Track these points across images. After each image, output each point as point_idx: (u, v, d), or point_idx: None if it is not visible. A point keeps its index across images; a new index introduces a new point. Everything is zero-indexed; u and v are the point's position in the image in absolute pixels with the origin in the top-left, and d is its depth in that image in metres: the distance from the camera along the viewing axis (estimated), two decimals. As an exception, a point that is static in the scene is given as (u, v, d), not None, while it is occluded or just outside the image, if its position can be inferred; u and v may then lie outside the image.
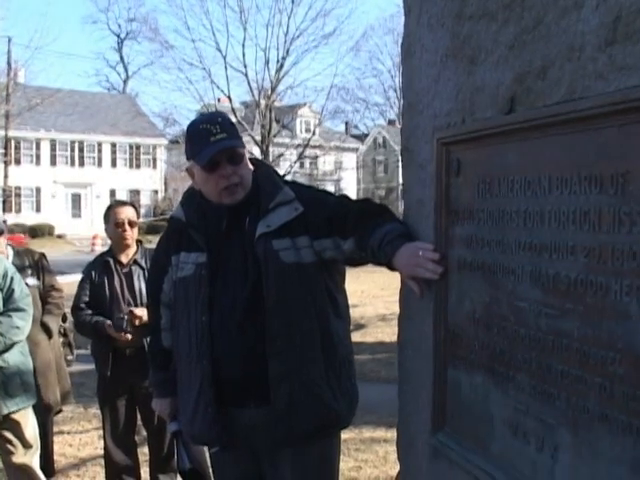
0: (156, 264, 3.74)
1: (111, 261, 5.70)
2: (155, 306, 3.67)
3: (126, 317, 5.43)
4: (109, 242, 5.99)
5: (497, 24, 2.28)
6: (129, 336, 5.44)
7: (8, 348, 5.14)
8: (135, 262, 5.71)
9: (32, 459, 5.44)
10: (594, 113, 1.86)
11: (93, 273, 5.73)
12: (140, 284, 5.62)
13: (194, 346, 3.35)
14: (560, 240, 2.02)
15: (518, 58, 2.19)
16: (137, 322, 5.41)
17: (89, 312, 5.64)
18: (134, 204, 6.21)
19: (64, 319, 6.54)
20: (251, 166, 3.42)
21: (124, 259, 5.71)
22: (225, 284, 3.32)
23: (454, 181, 2.58)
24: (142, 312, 5.36)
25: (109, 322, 5.48)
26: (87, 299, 5.69)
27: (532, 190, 2.14)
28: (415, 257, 2.72)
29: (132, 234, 5.69)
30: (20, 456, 5.34)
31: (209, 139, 3.24)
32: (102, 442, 6.03)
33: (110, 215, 5.71)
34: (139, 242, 5.88)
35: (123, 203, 6.03)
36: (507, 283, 2.26)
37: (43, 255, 6.40)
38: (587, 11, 1.89)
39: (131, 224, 5.67)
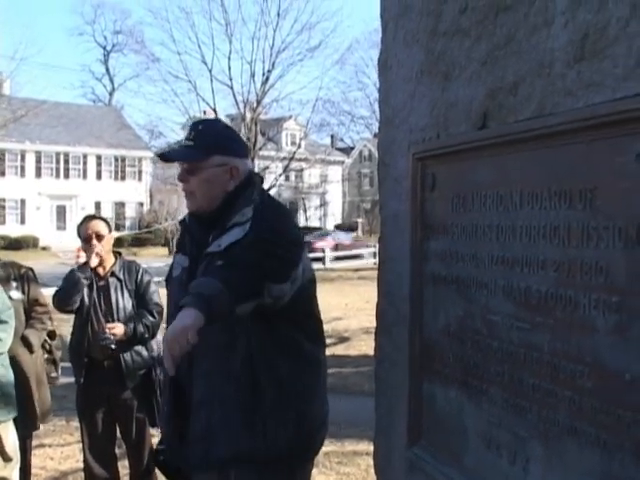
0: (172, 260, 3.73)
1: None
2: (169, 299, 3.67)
3: (111, 337, 5.47)
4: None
5: (470, 40, 2.31)
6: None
7: None
8: (112, 274, 5.72)
9: (12, 472, 5.43)
10: (563, 129, 1.89)
11: None
12: (117, 296, 5.65)
13: None
14: (531, 254, 2.04)
15: (490, 74, 2.22)
16: (119, 336, 5.47)
17: None
18: (104, 218, 6.23)
19: (52, 336, 6.51)
20: (229, 185, 3.34)
21: (101, 271, 5.71)
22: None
23: (429, 196, 2.59)
24: (119, 330, 5.43)
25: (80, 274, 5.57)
26: None
27: (504, 205, 2.16)
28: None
29: (101, 247, 5.67)
30: (0, 469, 5.33)
31: (181, 142, 3.34)
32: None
33: (80, 231, 5.74)
34: (118, 254, 5.90)
35: (92, 217, 6.03)
36: (480, 297, 2.28)
37: (30, 269, 6.39)
38: (556, 28, 1.92)
39: (99, 237, 5.65)
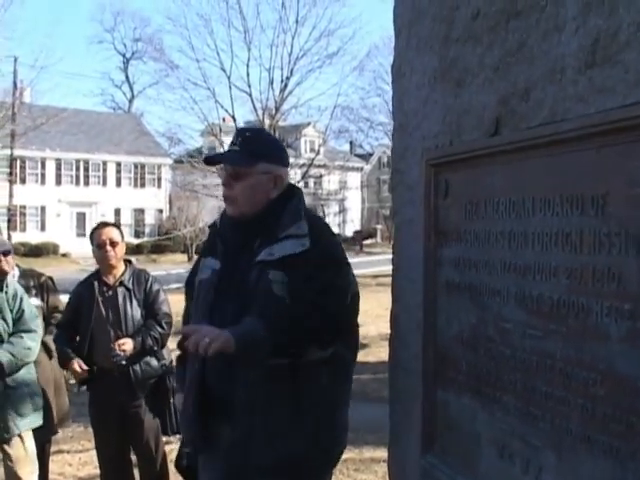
0: (195, 263, 3.74)
1: (95, 283, 5.69)
2: (188, 302, 3.69)
3: (121, 354, 5.46)
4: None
5: (482, 47, 2.30)
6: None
7: (18, 369, 5.19)
8: (121, 283, 5.69)
9: (31, 478, 5.47)
10: (575, 135, 1.88)
11: (79, 294, 5.75)
12: (126, 306, 5.61)
13: None
14: (543, 261, 2.03)
15: (502, 80, 2.21)
16: (129, 352, 5.48)
17: (66, 333, 5.73)
18: (117, 224, 6.25)
19: None
20: (271, 193, 3.38)
21: (111, 280, 5.70)
22: (227, 296, 3.33)
23: (442, 202, 2.58)
24: (129, 346, 5.44)
25: (76, 360, 5.54)
26: (68, 319, 5.75)
27: (516, 212, 2.15)
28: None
29: (115, 254, 5.67)
30: (22, 474, 5.37)
31: (229, 147, 3.41)
32: (100, 462, 6.03)
33: (93, 237, 5.74)
34: (128, 262, 5.89)
35: (105, 224, 6.04)
36: (493, 304, 2.27)
37: (50, 278, 6.44)
38: (567, 34, 1.91)
39: (113, 244, 5.66)
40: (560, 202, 1.96)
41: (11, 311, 5.21)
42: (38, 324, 5.44)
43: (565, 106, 1.94)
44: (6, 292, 5.24)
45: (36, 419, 5.45)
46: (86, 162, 56.58)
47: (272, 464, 3.21)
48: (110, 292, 5.67)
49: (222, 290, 3.34)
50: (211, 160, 3.68)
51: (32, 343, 5.31)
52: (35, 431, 5.56)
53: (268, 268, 3.20)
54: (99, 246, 5.66)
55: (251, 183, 3.33)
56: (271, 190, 3.37)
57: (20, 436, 5.35)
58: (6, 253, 5.83)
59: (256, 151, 3.36)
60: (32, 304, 5.52)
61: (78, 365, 5.50)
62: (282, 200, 3.37)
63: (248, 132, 3.49)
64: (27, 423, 5.36)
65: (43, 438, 6.00)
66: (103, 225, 5.95)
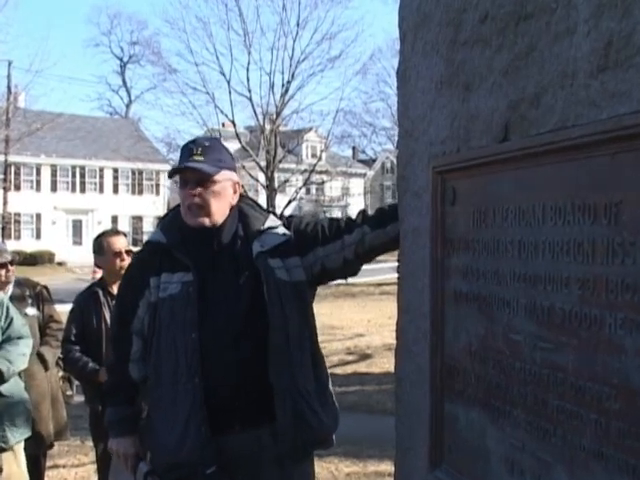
0: (131, 288, 3.62)
1: (100, 292, 5.65)
2: (126, 333, 3.57)
3: None
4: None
5: (491, 50, 2.25)
6: None
7: (10, 377, 5.13)
8: None
9: None
10: (587, 141, 1.82)
11: (83, 304, 5.69)
12: None
13: (183, 365, 3.33)
14: (554, 271, 1.97)
15: (512, 85, 2.16)
16: None
17: (77, 348, 5.59)
18: (124, 233, 6.22)
19: None
20: (233, 199, 3.53)
21: (115, 290, 5.63)
22: (215, 301, 3.39)
23: (450, 210, 2.53)
24: None
25: (102, 369, 5.40)
26: (76, 331, 5.65)
27: (526, 220, 2.10)
28: None
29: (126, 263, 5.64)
30: None
31: (188, 158, 3.42)
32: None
33: (105, 245, 5.68)
34: None
35: (116, 232, 6.02)
36: (502, 315, 2.21)
37: (45, 287, 6.39)
38: (579, 37, 1.86)
39: (127, 253, 5.63)
40: (572, 210, 1.91)
41: None
42: (28, 331, 5.39)
43: (577, 111, 1.89)
44: None
45: (28, 430, 5.39)
46: (82, 168, 56.54)
47: (317, 439, 3.53)
48: (113, 301, 5.60)
49: (207, 298, 3.38)
50: (178, 170, 3.51)
51: (26, 349, 5.27)
52: (28, 443, 5.50)
53: (266, 257, 3.38)
54: (116, 254, 5.62)
55: (218, 190, 3.43)
56: (233, 196, 3.52)
57: (13, 450, 5.28)
58: (10, 263, 5.83)
59: (218, 159, 3.45)
60: (18, 312, 5.45)
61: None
62: (243, 204, 3.59)
63: (207, 142, 3.52)
64: (21, 433, 5.30)
65: (37, 451, 5.93)
66: (114, 233, 5.93)
